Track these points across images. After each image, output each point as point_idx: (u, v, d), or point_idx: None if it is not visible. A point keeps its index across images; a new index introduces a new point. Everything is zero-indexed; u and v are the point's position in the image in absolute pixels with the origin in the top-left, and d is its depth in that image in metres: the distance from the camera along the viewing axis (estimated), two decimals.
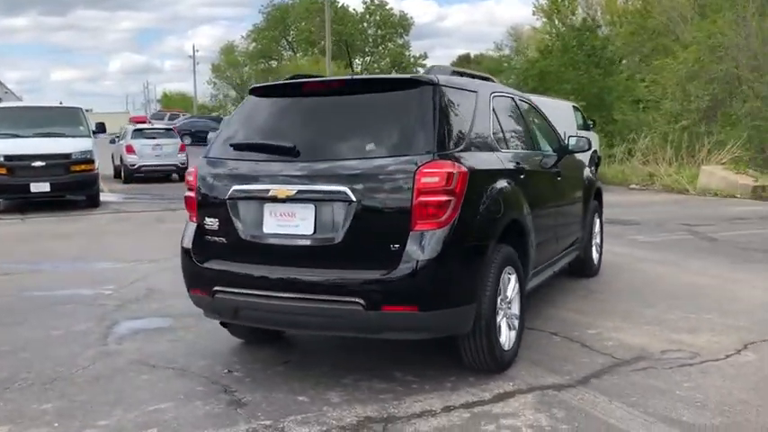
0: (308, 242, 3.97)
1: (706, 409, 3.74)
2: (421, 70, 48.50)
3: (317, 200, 3.93)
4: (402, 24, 55.39)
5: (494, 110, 4.75)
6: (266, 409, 3.83)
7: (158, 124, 28.07)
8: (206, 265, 4.27)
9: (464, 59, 63.41)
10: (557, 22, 33.41)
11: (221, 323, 4.76)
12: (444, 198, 3.76)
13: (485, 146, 4.39)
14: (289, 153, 4.07)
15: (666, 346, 4.81)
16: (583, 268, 6.87)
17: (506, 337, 4.31)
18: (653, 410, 3.73)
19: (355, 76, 4.47)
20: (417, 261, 3.73)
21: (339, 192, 3.85)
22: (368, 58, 54.94)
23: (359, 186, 3.83)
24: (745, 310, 5.77)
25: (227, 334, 5.00)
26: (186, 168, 16.33)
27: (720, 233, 10.17)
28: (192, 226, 4.41)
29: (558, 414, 3.71)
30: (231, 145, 4.33)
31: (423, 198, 3.73)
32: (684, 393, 3.97)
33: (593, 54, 25.14)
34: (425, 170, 3.75)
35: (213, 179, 4.31)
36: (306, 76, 4.68)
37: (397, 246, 3.77)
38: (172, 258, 6.43)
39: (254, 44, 58.19)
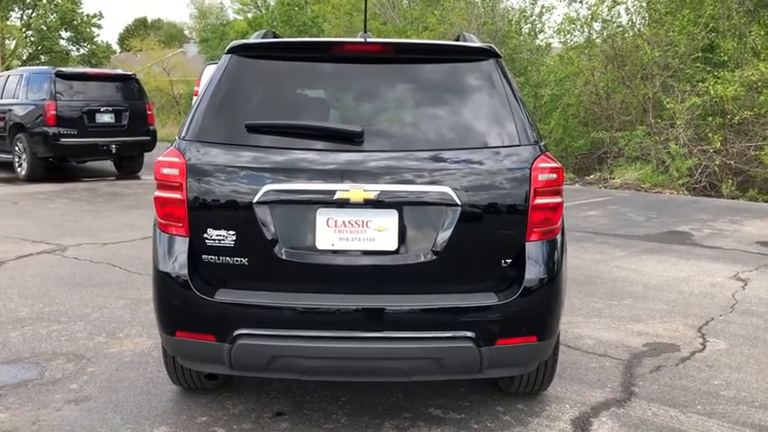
0: (388, 261, 2.98)
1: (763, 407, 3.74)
2: (96, 30, 43.82)
3: (405, 203, 2.96)
4: None
5: None
6: None
7: None
8: (217, 297, 2.99)
9: (140, 23, 59.32)
10: None
11: (208, 375, 3.43)
12: (558, 200, 3.10)
13: None
14: (352, 139, 3.00)
15: (641, 340, 4.76)
16: None
17: None
18: (721, 413, 3.66)
19: (401, 40, 3.47)
20: (540, 279, 3.03)
21: (440, 193, 2.94)
22: (29, 11, 47.82)
23: (463, 186, 2.97)
24: (644, 293, 6.01)
25: (149, 378, 3.67)
26: None
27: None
28: (180, 242, 3.05)
29: None
30: (247, 126, 3.05)
31: (539, 200, 3.03)
32: (726, 392, 3.95)
33: None
34: (541, 165, 3.05)
35: (221, 174, 3.01)
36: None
37: (508, 261, 3.02)
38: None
39: None
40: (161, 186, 3.11)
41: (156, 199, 3.12)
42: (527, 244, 3.05)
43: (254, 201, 2.96)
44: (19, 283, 6.00)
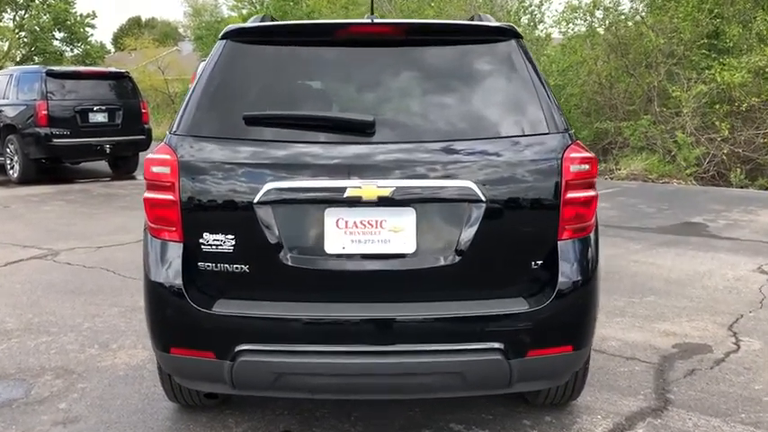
0: (405, 265, 2.67)
1: None
2: (90, 30, 43.35)
3: (423, 201, 2.65)
4: None
5: None
6: None
7: None
8: (216, 309, 2.67)
9: (134, 22, 58.97)
10: None
11: (207, 393, 3.12)
12: (592, 193, 2.80)
13: None
14: (362, 130, 2.68)
15: (670, 341, 4.45)
16: None
17: None
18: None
19: (412, 20, 3.14)
20: (574, 282, 2.72)
21: (462, 189, 2.63)
22: (21, 12, 47.40)
23: (487, 180, 2.66)
24: (667, 289, 5.72)
25: (144, 394, 3.36)
26: None
27: None
28: (174, 248, 2.74)
29: None
30: (245, 118, 2.73)
31: (572, 194, 2.72)
32: None
33: None
34: (572, 155, 2.73)
35: (217, 172, 2.70)
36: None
37: (539, 262, 2.71)
38: None
39: None
40: (151, 187, 2.80)
41: (146, 201, 2.81)
42: (559, 243, 2.74)
43: (255, 201, 2.65)
44: (7, 291, 5.70)
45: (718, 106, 13.83)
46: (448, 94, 2.85)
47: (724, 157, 13.49)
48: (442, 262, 2.67)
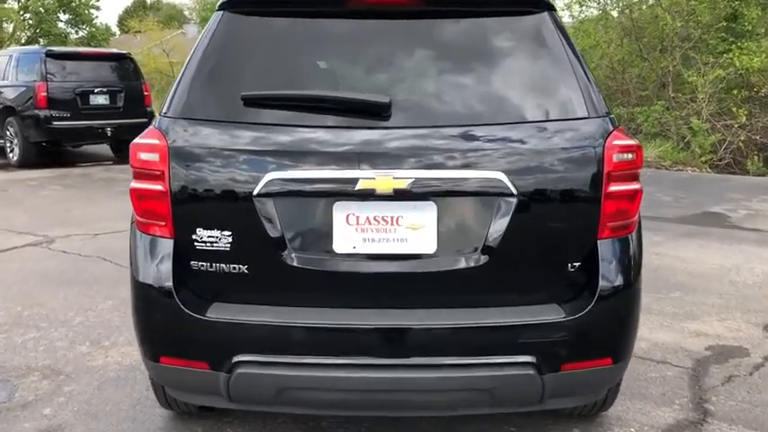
0: (424, 267, 2.36)
1: None
2: (95, 12, 42.88)
3: (446, 194, 2.33)
4: None
5: None
6: None
7: None
8: (210, 315, 2.37)
9: (140, 4, 58.49)
10: None
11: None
12: (636, 186, 2.48)
13: None
14: (377, 113, 2.36)
15: (702, 343, 4.14)
16: None
17: None
18: None
19: None
20: (616, 286, 2.41)
21: (491, 180, 2.31)
22: None
23: (519, 170, 2.34)
24: (692, 284, 5.40)
25: (136, 399, 3.08)
26: None
27: None
28: (164, 245, 2.43)
29: None
30: (245, 99, 2.41)
31: (614, 186, 2.40)
32: None
33: None
34: (616, 142, 2.41)
35: (212, 159, 2.38)
36: None
37: (576, 264, 2.40)
38: None
39: None
40: (139, 176, 2.49)
41: (133, 192, 2.50)
42: (599, 242, 2.42)
43: (255, 193, 2.34)
44: None
45: (735, 92, 13.42)
46: (472, 73, 2.52)
47: (741, 144, 13.12)
48: (467, 264, 2.36)
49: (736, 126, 13.12)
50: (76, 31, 42.87)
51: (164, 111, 2.52)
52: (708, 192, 9.88)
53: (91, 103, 12.21)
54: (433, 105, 2.47)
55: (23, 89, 12.04)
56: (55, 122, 11.77)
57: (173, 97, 2.52)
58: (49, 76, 11.85)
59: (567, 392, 2.48)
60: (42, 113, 11.69)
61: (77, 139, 12.65)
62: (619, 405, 3.30)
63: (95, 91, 12.25)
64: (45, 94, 11.70)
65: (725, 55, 13.45)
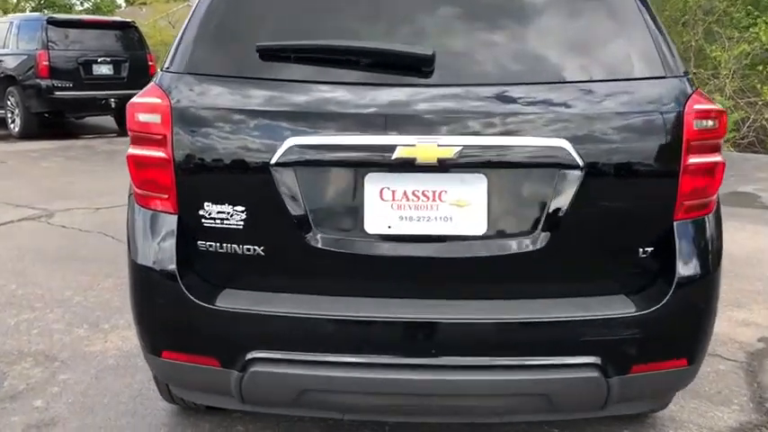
0: (472, 251, 2.01)
1: None
2: None
3: (499, 165, 1.97)
4: None
5: None
6: None
7: None
8: (220, 304, 2.02)
9: None
10: None
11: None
12: (718, 158, 2.11)
13: None
14: (417, 68, 1.99)
15: (753, 333, 3.80)
16: None
17: None
18: None
19: None
20: (695, 276, 2.05)
21: (553, 149, 1.95)
22: None
23: (585, 138, 1.97)
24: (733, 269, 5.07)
25: (137, 390, 2.76)
26: None
27: None
28: (166, 221, 2.08)
29: None
30: (261, 50, 2.03)
31: (694, 158, 2.04)
32: None
33: None
34: (697, 107, 2.04)
35: (223, 122, 2.02)
36: None
37: (648, 249, 2.04)
38: None
39: None
40: (137, 140, 2.14)
41: (131, 159, 2.15)
42: (675, 224, 2.07)
43: (273, 161, 1.99)
44: None
45: (760, 68, 12.92)
46: (529, 24, 2.15)
47: (765, 123, 12.66)
48: (521, 248, 2.01)
49: (760, 103, 12.65)
50: (81, 3, 42.38)
51: (166, 65, 2.17)
52: (734, 171, 9.45)
53: (94, 72, 11.84)
54: (484, 59, 2.10)
55: (24, 57, 11.66)
56: (57, 92, 11.41)
57: (176, 49, 2.16)
58: (50, 44, 11.47)
59: (635, 397, 2.15)
60: (44, 83, 11.32)
61: (80, 110, 12.28)
62: (672, 404, 2.95)
63: (99, 60, 11.87)
64: (47, 62, 11.32)
65: (750, 29, 12.94)
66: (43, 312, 4.03)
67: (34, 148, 10.61)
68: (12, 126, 11.95)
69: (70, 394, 3.08)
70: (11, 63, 11.89)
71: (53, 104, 11.55)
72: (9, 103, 11.89)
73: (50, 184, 7.95)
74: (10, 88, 11.81)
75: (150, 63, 12.60)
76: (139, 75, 12.14)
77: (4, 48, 12.15)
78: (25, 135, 11.61)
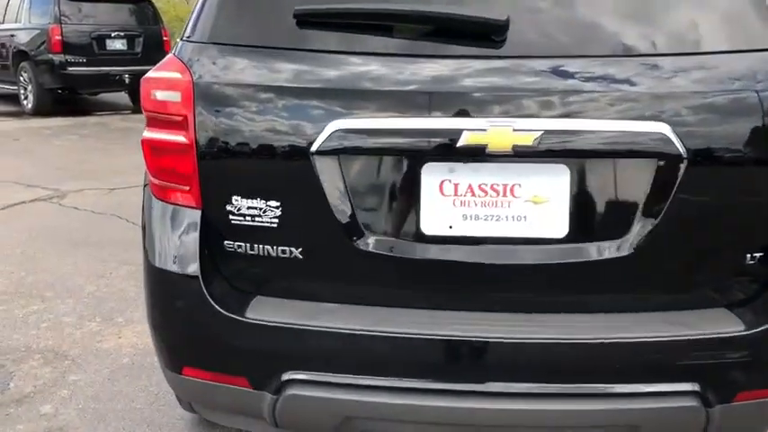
0: (551, 257, 1.70)
1: None
2: None
3: (585, 155, 1.65)
4: None
5: None
6: None
7: None
8: (250, 315, 1.73)
9: None
10: None
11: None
12: None
13: None
14: (486, 37, 1.66)
15: None
16: None
17: None
18: None
19: None
20: None
21: (652, 135, 1.62)
22: None
23: (688, 123, 1.64)
24: None
25: (154, 395, 2.48)
26: None
27: None
28: (188, 217, 1.78)
29: None
30: (298, 15, 1.70)
31: None
32: None
33: None
34: None
35: (252, 101, 1.71)
36: None
37: (756, 255, 1.71)
38: None
39: None
40: (153, 122, 1.83)
41: (146, 144, 1.85)
42: None
43: (314, 149, 1.67)
44: (1, 241, 4.83)
45: None
46: None
47: None
48: (611, 253, 1.69)
49: None
50: None
51: (187, 34, 1.85)
52: None
53: (108, 48, 11.54)
54: (567, 28, 1.75)
55: (37, 32, 11.37)
56: (70, 68, 11.14)
57: (199, 14, 1.84)
58: (63, 18, 11.16)
59: (739, 428, 1.83)
60: (57, 58, 11.04)
61: (94, 86, 12.00)
62: None
63: (112, 35, 11.56)
64: (60, 37, 11.02)
65: None
66: (53, 303, 3.78)
67: (47, 125, 10.36)
68: (25, 102, 11.69)
69: (81, 399, 2.82)
70: (23, 38, 11.61)
71: (66, 80, 11.28)
72: (22, 79, 11.63)
73: (63, 162, 7.70)
74: (22, 64, 11.55)
75: (165, 38, 12.28)
76: (154, 50, 11.82)
77: (16, 22, 11.86)
78: (38, 112, 11.35)
